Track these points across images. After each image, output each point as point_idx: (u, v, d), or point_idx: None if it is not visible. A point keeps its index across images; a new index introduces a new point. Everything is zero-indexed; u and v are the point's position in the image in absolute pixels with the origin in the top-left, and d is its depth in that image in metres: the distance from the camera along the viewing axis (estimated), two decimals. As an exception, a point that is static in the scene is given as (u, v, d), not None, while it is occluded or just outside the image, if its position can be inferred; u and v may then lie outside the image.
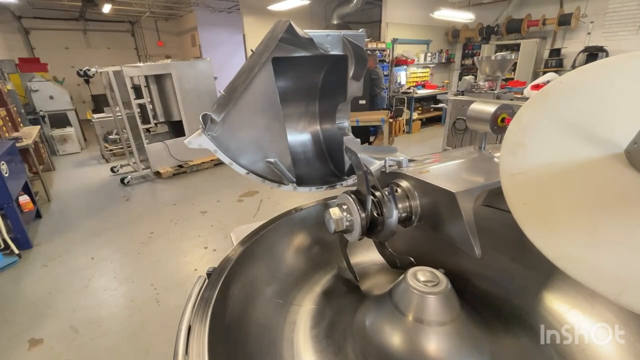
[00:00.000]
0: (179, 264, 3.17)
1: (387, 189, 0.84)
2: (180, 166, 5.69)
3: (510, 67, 5.02)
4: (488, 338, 0.85)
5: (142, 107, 5.26)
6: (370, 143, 6.43)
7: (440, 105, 8.45)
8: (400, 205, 0.84)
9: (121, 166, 5.90)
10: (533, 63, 8.45)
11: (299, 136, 1.35)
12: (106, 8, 8.86)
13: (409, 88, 8.76)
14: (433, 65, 10.16)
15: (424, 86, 9.48)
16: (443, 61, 10.43)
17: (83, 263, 3.23)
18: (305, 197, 1.18)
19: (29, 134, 4.99)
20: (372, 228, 0.85)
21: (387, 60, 8.75)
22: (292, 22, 0.91)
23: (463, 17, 8.59)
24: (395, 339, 0.81)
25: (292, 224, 1.20)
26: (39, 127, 5.88)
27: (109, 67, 4.84)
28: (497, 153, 1.02)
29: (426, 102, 9.07)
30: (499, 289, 1.04)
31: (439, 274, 0.85)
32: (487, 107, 1.00)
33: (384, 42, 8.69)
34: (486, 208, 1.04)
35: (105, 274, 3.06)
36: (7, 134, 4.70)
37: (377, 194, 0.84)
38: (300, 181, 1.14)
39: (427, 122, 9.12)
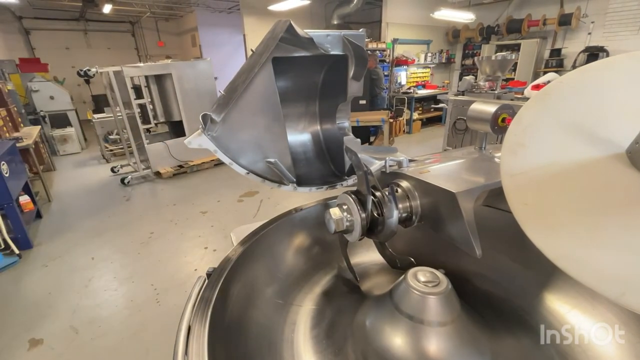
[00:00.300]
0: (179, 264, 3.17)
1: (387, 189, 0.84)
2: (181, 166, 5.69)
3: (511, 67, 5.02)
4: (489, 338, 0.85)
5: (142, 107, 5.27)
6: (370, 143, 6.43)
7: (440, 105, 8.44)
8: (400, 206, 0.84)
9: (121, 166, 5.91)
10: (533, 63, 8.45)
11: (299, 136, 1.35)
12: (106, 8, 8.87)
13: (409, 88, 8.76)
14: (433, 66, 10.16)
15: (424, 86, 9.48)
16: (443, 61, 10.42)
17: (83, 263, 3.23)
18: (306, 197, 1.18)
19: (30, 134, 5.00)
20: (373, 228, 0.85)
21: (387, 60, 8.75)
22: (292, 22, 0.91)
23: (463, 17, 8.58)
24: (395, 339, 0.81)
25: (292, 224, 1.20)
26: (39, 127, 5.88)
27: (109, 67, 4.85)
28: (498, 153, 1.02)
29: (426, 102, 9.07)
30: (499, 289, 1.04)
31: (439, 274, 0.85)
32: (488, 107, 1.00)
33: (384, 42, 8.69)
34: (487, 208, 1.04)
35: (106, 274, 3.06)
36: (7, 134, 4.71)
37: (378, 194, 0.84)
38: (301, 181, 1.14)
39: (427, 122, 9.12)
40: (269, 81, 0.99)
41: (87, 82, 10.06)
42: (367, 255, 1.25)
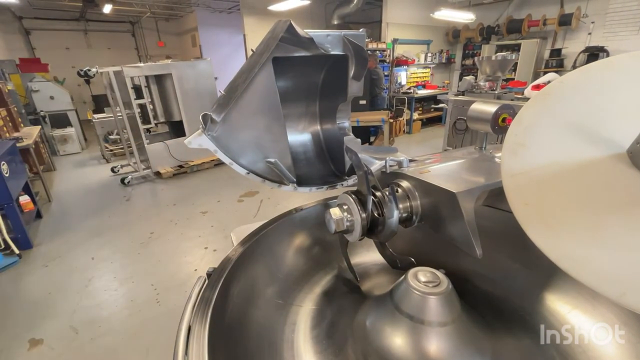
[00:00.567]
0: (179, 264, 3.17)
1: (387, 189, 0.84)
2: (181, 166, 5.69)
3: (511, 67, 5.02)
4: (489, 339, 0.85)
5: (142, 107, 5.27)
6: (370, 143, 6.43)
7: (440, 105, 8.42)
8: (400, 206, 0.84)
9: (121, 166, 5.91)
10: (534, 63, 8.44)
11: (299, 136, 1.35)
12: (107, 8, 8.87)
13: (409, 88, 8.76)
14: (433, 66, 10.16)
15: (424, 86, 9.48)
16: (443, 61, 10.43)
17: (83, 263, 3.23)
18: (306, 198, 1.18)
19: (30, 134, 5.00)
20: (373, 228, 0.85)
21: (387, 60, 8.75)
22: (292, 22, 0.91)
23: (463, 17, 8.58)
24: (396, 339, 0.81)
25: (293, 224, 1.20)
26: (39, 127, 5.88)
27: (110, 68, 4.85)
28: (498, 153, 1.01)
29: (426, 103, 9.07)
30: (500, 290, 1.04)
31: (439, 274, 0.85)
32: (488, 107, 0.99)
33: (384, 42, 8.69)
34: (487, 208, 1.04)
35: (106, 274, 3.06)
36: (7, 134, 4.71)
37: (378, 194, 0.84)
38: (301, 181, 1.14)
39: (427, 123, 9.12)
40: (269, 81, 0.99)
41: (87, 82, 10.04)
42: (368, 256, 1.25)
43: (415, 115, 8.53)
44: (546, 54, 8.45)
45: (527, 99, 3.87)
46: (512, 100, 4.61)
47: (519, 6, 8.78)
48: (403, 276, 0.86)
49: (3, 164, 3.20)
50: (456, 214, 0.74)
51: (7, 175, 3.21)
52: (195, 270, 3.04)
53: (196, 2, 10.11)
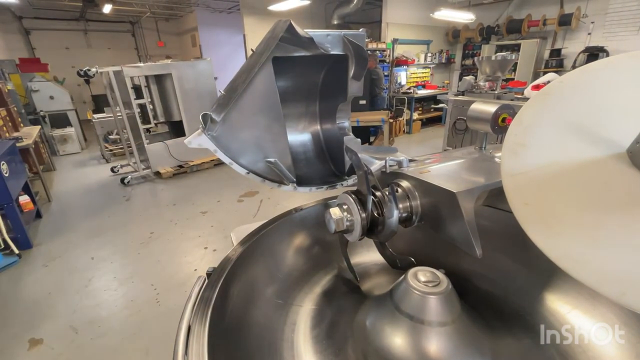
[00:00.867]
0: (179, 264, 3.17)
1: (387, 189, 0.84)
2: (181, 166, 5.69)
3: (511, 67, 5.02)
4: (489, 338, 0.85)
5: (142, 107, 5.27)
6: (370, 143, 6.43)
7: (440, 105, 8.46)
8: (400, 205, 0.84)
9: (121, 166, 5.91)
10: (533, 63, 8.45)
11: (299, 136, 1.35)
12: (106, 8, 8.87)
13: (409, 88, 8.76)
14: (433, 66, 10.16)
15: (424, 86, 9.48)
16: (443, 61, 10.43)
17: (83, 263, 3.23)
18: (306, 197, 1.18)
19: (29, 134, 5.00)
20: (373, 228, 0.85)
21: (387, 60, 8.75)
22: (292, 22, 0.91)
23: (463, 17, 8.59)
24: (396, 339, 0.81)
25: (292, 224, 1.20)
26: (39, 127, 5.88)
27: (110, 67, 4.85)
28: (498, 153, 1.01)
29: (426, 103, 9.07)
30: (500, 290, 1.04)
31: (439, 274, 0.85)
32: (488, 107, 0.99)
33: (384, 42, 8.70)
34: (487, 208, 1.04)
35: (106, 274, 3.06)
36: (7, 134, 4.71)
37: (378, 194, 0.84)
38: (301, 181, 1.14)
39: (427, 123, 9.12)
40: (269, 81, 0.99)
41: (87, 82, 10.07)
42: (367, 255, 1.25)
43: (415, 115, 8.54)
44: (546, 54, 8.46)
45: (527, 99, 3.87)
46: (512, 100, 4.61)
47: (518, 6, 8.79)
48: (403, 276, 0.86)
49: (3, 164, 3.20)
50: (456, 213, 0.73)
51: (6, 175, 3.21)
52: (195, 270, 3.04)
53: (196, 2, 10.11)
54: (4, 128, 4.75)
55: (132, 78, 4.97)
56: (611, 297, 0.46)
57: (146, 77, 5.26)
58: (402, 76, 9.12)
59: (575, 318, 0.90)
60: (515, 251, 1.03)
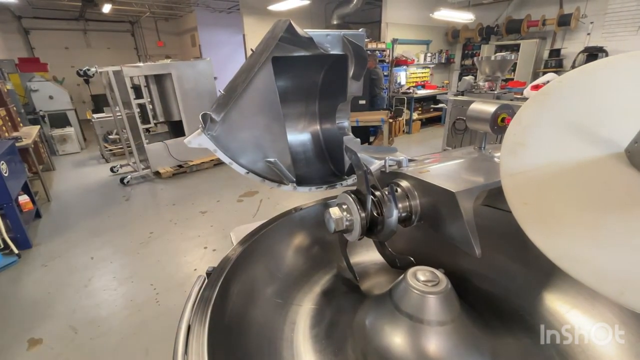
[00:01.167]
0: (179, 264, 3.17)
1: (387, 188, 0.84)
2: (180, 166, 5.69)
3: (510, 67, 5.03)
4: (488, 338, 0.85)
5: (142, 107, 5.26)
6: (370, 143, 6.44)
7: (440, 105, 8.46)
8: (400, 205, 0.84)
9: (121, 166, 5.90)
10: (533, 63, 8.46)
11: (299, 136, 1.35)
12: (106, 8, 8.86)
13: (408, 88, 8.77)
14: (433, 66, 10.17)
15: (423, 86, 9.48)
16: (443, 61, 10.44)
17: (83, 263, 3.23)
18: (305, 197, 1.18)
19: (29, 133, 4.99)
20: (372, 228, 0.85)
21: (387, 60, 8.75)
22: (292, 22, 0.91)
23: (463, 17, 8.59)
24: (395, 339, 0.81)
25: (292, 223, 1.20)
26: (38, 127, 5.88)
27: (109, 67, 4.84)
28: (497, 153, 1.02)
29: (426, 103, 9.07)
30: (499, 289, 1.04)
31: (439, 273, 0.85)
32: (487, 107, 1.00)
33: (383, 42, 8.70)
34: (486, 208, 1.04)
35: (105, 274, 3.06)
36: (6, 134, 4.70)
37: (377, 193, 0.84)
38: (300, 181, 1.14)
39: (427, 123, 9.12)
40: (269, 81, 0.99)
41: (87, 81, 10.06)
42: (367, 255, 1.25)
43: (415, 115, 8.54)
44: (545, 54, 8.47)
45: (526, 99, 3.87)
46: (511, 100, 4.62)
47: (518, 6, 8.80)
48: (402, 275, 0.86)
49: (2, 164, 3.20)
50: (455, 213, 0.74)
51: (6, 175, 3.21)
52: (195, 270, 3.04)
53: (196, 2, 10.10)
54: (4, 128, 4.74)
55: (131, 78, 4.97)
56: (610, 296, 0.46)
57: (146, 77, 5.26)
58: (402, 76, 9.12)
59: (574, 317, 0.90)
60: (515, 251, 1.03)
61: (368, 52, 6.38)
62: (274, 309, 1.00)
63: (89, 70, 5.16)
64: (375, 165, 0.98)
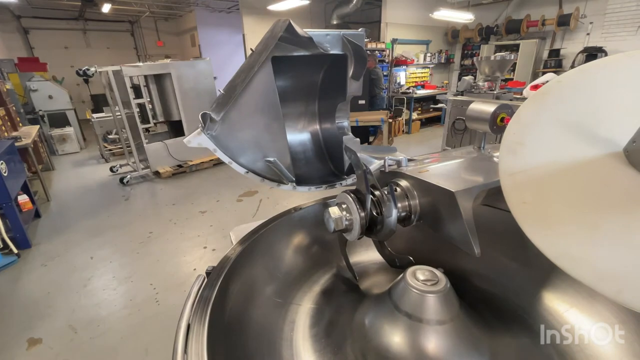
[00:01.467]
0: (178, 263, 3.17)
1: (386, 188, 0.84)
2: (180, 166, 5.69)
3: (510, 67, 5.03)
4: (487, 337, 0.86)
5: (141, 106, 5.26)
6: (369, 143, 6.44)
7: (439, 105, 8.46)
8: (399, 205, 0.84)
9: (120, 166, 5.90)
10: (532, 63, 8.47)
11: (299, 135, 1.35)
12: (106, 8, 8.86)
13: (408, 88, 8.77)
14: (432, 66, 10.17)
15: (423, 86, 9.49)
16: (442, 61, 10.44)
17: (82, 263, 3.22)
18: (305, 197, 1.18)
19: (28, 133, 4.99)
20: (372, 227, 0.85)
21: (386, 60, 8.76)
22: (291, 22, 0.91)
23: (462, 17, 8.60)
24: (394, 338, 0.81)
25: (292, 223, 1.20)
26: (38, 126, 5.87)
27: (109, 67, 4.84)
28: (497, 153, 1.02)
29: (426, 103, 9.08)
30: (498, 288, 1.05)
31: (438, 273, 0.85)
32: (487, 107, 1.00)
33: (383, 42, 8.70)
34: (485, 207, 1.04)
35: (105, 273, 3.05)
36: (6, 134, 4.70)
37: (377, 193, 0.84)
38: (300, 180, 1.14)
39: (426, 122, 9.13)
40: (269, 80, 0.99)
41: (86, 81, 10.07)
42: (366, 254, 1.26)
43: (415, 115, 8.54)
44: (545, 54, 8.48)
45: (525, 99, 3.86)
46: (510, 100, 4.62)
47: (517, 6, 8.80)
48: (401, 275, 0.86)
49: (2, 164, 3.20)
50: (455, 213, 0.74)
51: (5, 174, 3.20)
52: (195, 269, 3.04)
53: (195, 2, 10.09)
54: (3, 127, 4.74)
55: (131, 78, 4.96)
56: (608, 295, 0.46)
57: (145, 76, 5.25)
58: (402, 76, 9.13)
59: (573, 317, 0.90)
60: (514, 250, 1.03)
61: (367, 52, 6.37)
62: (273, 308, 1.00)
63: (88, 70, 5.16)
64: (374, 165, 0.98)
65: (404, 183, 0.89)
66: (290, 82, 1.26)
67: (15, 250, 3.25)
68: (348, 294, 1.10)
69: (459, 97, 5.10)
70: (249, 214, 4.13)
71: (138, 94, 5.20)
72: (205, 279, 0.86)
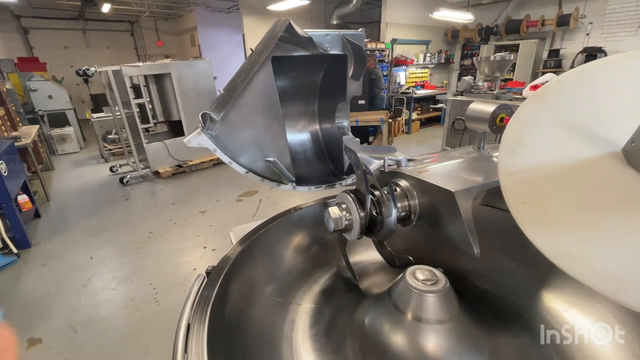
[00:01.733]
0: (178, 263, 3.17)
1: (386, 188, 0.84)
2: (180, 166, 5.68)
3: (509, 67, 5.04)
4: (487, 337, 0.86)
5: (141, 106, 5.26)
6: (369, 143, 6.44)
7: (439, 105, 8.46)
8: (399, 204, 0.85)
9: (120, 166, 5.90)
10: (532, 64, 8.47)
11: (299, 135, 1.35)
12: (105, 8, 8.85)
13: (408, 88, 8.78)
14: (432, 66, 10.18)
15: (423, 86, 9.50)
16: (442, 61, 10.45)
17: (82, 263, 3.22)
18: (305, 197, 1.18)
19: (28, 133, 4.99)
20: (371, 227, 0.85)
21: (386, 60, 8.76)
22: (291, 22, 0.91)
23: (462, 17, 8.60)
24: (394, 337, 0.81)
25: (291, 223, 1.20)
26: (37, 126, 5.87)
27: (108, 67, 4.84)
28: (496, 153, 1.02)
29: (425, 103, 9.08)
30: (497, 288, 1.05)
31: (437, 272, 0.86)
32: (486, 107, 1.00)
33: (383, 42, 8.71)
34: (485, 207, 1.05)
35: (104, 273, 3.05)
36: (5, 133, 4.70)
37: (376, 193, 0.84)
38: (300, 180, 1.14)
39: (426, 123, 9.13)
40: (269, 80, 0.99)
41: (86, 81, 10.05)
42: (366, 254, 1.26)
43: (414, 115, 8.55)
44: (544, 55, 8.48)
45: (525, 99, 3.86)
46: (510, 100, 4.62)
47: (517, 7, 8.81)
48: (401, 274, 0.87)
49: (1, 163, 3.20)
50: (454, 212, 0.74)
51: (5, 174, 3.20)
52: (194, 269, 3.04)
53: (195, 2, 10.09)
54: (3, 127, 4.74)
55: (131, 77, 4.96)
56: (606, 294, 0.47)
57: (145, 76, 5.25)
58: (401, 76, 9.13)
59: (573, 316, 0.90)
60: (513, 250, 1.03)
61: (367, 52, 6.38)
62: (273, 308, 1.00)
63: (88, 69, 5.16)
64: (374, 164, 0.98)
65: (403, 183, 0.89)
66: (290, 82, 1.26)
67: (15, 250, 3.25)
68: (348, 294, 1.10)
69: (459, 97, 5.10)
70: (248, 214, 4.13)
71: (138, 94, 5.20)
72: (205, 279, 0.86)
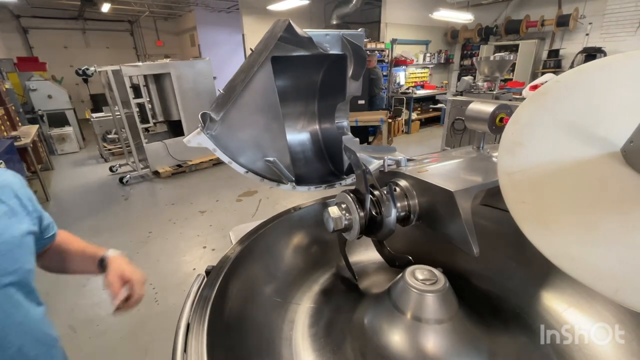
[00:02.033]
0: (178, 263, 3.17)
1: (385, 188, 0.84)
2: (179, 166, 5.68)
3: (509, 67, 5.04)
4: (486, 336, 0.86)
5: (141, 106, 5.26)
6: (369, 143, 6.44)
7: (439, 105, 8.46)
8: (398, 204, 0.85)
9: (120, 166, 5.89)
10: (532, 64, 8.47)
11: (298, 135, 1.35)
12: (105, 7, 8.84)
13: (408, 88, 8.78)
14: (432, 66, 10.18)
15: (423, 86, 9.50)
16: (442, 61, 10.45)
17: (81, 262, 3.22)
18: (304, 197, 1.18)
19: (28, 133, 4.99)
20: (371, 227, 0.85)
21: (386, 60, 8.76)
22: (291, 22, 0.91)
23: (462, 17, 8.61)
24: (393, 337, 0.81)
25: (291, 223, 1.20)
26: (37, 126, 5.87)
27: (108, 67, 4.83)
28: (496, 153, 1.02)
29: (425, 103, 9.09)
30: (497, 288, 1.05)
31: (437, 272, 0.86)
32: (486, 107, 1.00)
33: (383, 42, 8.71)
34: (484, 207, 1.05)
35: (104, 273, 3.05)
36: (5, 133, 4.69)
37: (376, 193, 0.84)
38: (299, 180, 1.14)
39: (426, 123, 9.13)
40: (268, 80, 0.99)
41: (86, 81, 10.04)
42: (366, 254, 1.26)
43: (414, 115, 8.55)
44: (544, 55, 8.48)
45: (524, 99, 3.85)
46: (510, 100, 4.62)
47: (517, 7, 8.81)
48: (401, 274, 0.87)
49: (1, 163, 3.19)
50: (453, 212, 0.74)
51: (4, 174, 3.20)
52: (194, 269, 3.04)
53: (195, 2, 10.08)
54: (2, 127, 4.73)
55: (130, 77, 4.96)
56: (605, 293, 0.47)
57: (145, 76, 5.25)
58: (401, 76, 9.14)
59: (572, 316, 0.90)
60: (512, 249, 1.03)
61: (367, 52, 6.38)
62: (272, 308, 1.00)
63: (88, 69, 5.16)
64: (374, 164, 0.98)
65: (403, 183, 0.89)
66: (290, 82, 1.26)
67: (14, 250, 3.24)
68: (347, 294, 1.10)
69: (459, 97, 5.10)
70: (248, 214, 4.13)
71: (137, 94, 5.20)
72: (205, 279, 0.86)
